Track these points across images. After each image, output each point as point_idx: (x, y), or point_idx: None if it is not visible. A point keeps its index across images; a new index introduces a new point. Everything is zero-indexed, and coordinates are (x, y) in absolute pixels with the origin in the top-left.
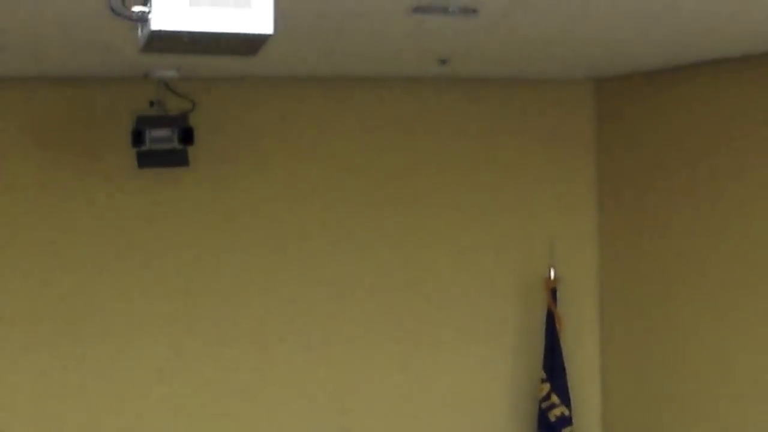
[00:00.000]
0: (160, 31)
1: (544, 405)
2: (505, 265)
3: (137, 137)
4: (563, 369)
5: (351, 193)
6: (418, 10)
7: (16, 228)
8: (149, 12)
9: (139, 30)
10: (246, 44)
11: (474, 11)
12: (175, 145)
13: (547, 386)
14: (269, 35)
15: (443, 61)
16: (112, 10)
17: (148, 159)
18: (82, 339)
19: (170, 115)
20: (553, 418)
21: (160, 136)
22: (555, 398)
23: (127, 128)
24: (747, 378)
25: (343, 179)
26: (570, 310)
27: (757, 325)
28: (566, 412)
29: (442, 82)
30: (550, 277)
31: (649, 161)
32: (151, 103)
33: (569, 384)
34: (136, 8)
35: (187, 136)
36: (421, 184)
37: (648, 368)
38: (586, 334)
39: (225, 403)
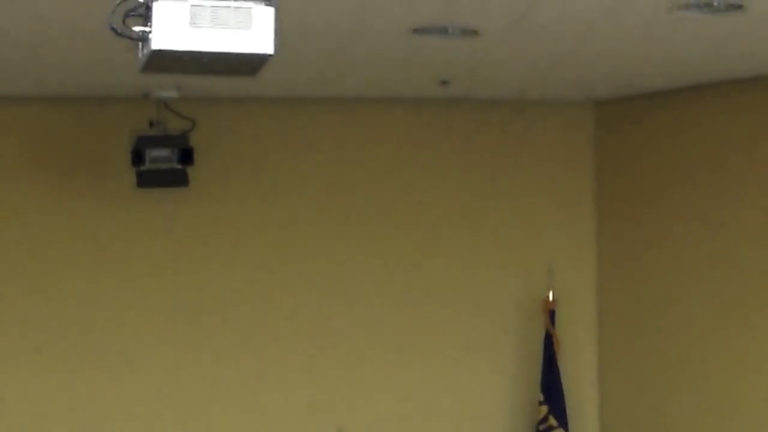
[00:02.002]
0: (160, 51)
1: (541, 427)
2: (504, 286)
3: (137, 157)
4: (561, 391)
5: (350, 213)
6: (418, 31)
7: (15, 246)
8: (150, 32)
9: (140, 50)
10: (246, 64)
11: (474, 33)
12: (175, 164)
13: (545, 408)
14: (269, 56)
15: (444, 83)
16: (113, 29)
17: (147, 179)
18: (81, 357)
19: (170, 135)
20: None
21: (160, 156)
22: (553, 420)
23: (127, 148)
24: (746, 402)
25: (342, 199)
26: (568, 332)
27: (758, 346)
28: None
29: (442, 104)
30: (548, 298)
31: (647, 183)
32: (151, 123)
33: (567, 406)
34: (137, 28)
35: (186, 156)
36: (420, 205)
37: (646, 391)
38: (584, 356)
39: (224, 419)
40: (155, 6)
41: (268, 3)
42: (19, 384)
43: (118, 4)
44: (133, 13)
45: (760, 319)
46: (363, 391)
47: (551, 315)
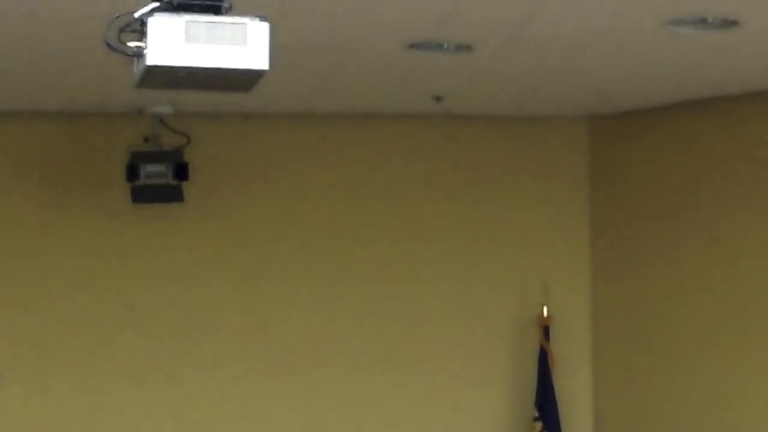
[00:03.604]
0: (155, 66)
1: None
2: (498, 302)
3: (132, 172)
4: (556, 407)
5: (344, 227)
6: (413, 46)
7: (9, 261)
8: (145, 47)
9: (135, 65)
10: (241, 80)
11: (468, 48)
12: (170, 180)
13: (539, 425)
14: (264, 71)
15: (438, 98)
16: (108, 45)
17: (142, 194)
18: (76, 372)
19: (165, 150)
20: None
21: (155, 172)
22: None
23: (122, 163)
24: (738, 417)
25: (336, 214)
26: (563, 348)
27: (749, 364)
28: None
29: (437, 119)
30: (542, 314)
31: (643, 198)
32: (146, 139)
33: (561, 422)
34: (132, 43)
35: (181, 171)
36: (414, 220)
37: (641, 407)
38: (579, 372)
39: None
40: (150, 21)
41: (263, 19)
42: (14, 399)
43: (113, 20)
44: (128, 29)
45: (755, 334)
46: (356, 407)
47: (546, 331)
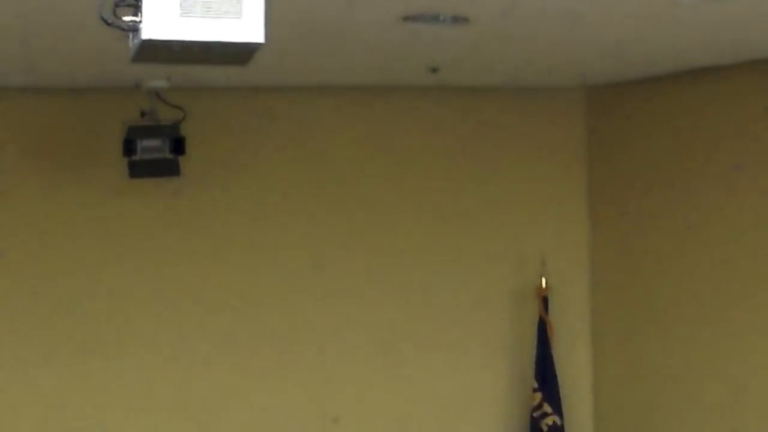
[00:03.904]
0: (151, 41)
1: (536, 414)
2: (497, 273)
3: (128, 147)
4: (555, 378)
5: (342, 201)
6: (409, 18)
7: (6, 237)
8: (140, 21)
9: (130, 39)
10: (237, 53)
11: (465, 20)
12: (167, 154)
13: (539, 395)
14: (260, 44)
15: (434, 70)
16: (103, 19)
17: (139, 169)
18: (76, 348)
19: (161, 124)
20: (545, 428)
21: (152, 146)
22: (547, 407)
23: (119, 138)
24: (738, 386)
25: (334, 188)
26: (562, 319)
27: (749, 335)
28: (558, 421)
29: (433, 91)
30: (541, 285)
31: (640, 170)
32: (143, 113)
33: (561, 393)
34: (127, 18)
35: (178, 145)
36: (411, 194)
37: (640, 377)
38: (578, 342)
39: (219, 411)
40: None
41: None
42: (12, 377)
43: None
44: (123, 3)
45: (756, 302)
46: (358, 381)
47: (544, 302)
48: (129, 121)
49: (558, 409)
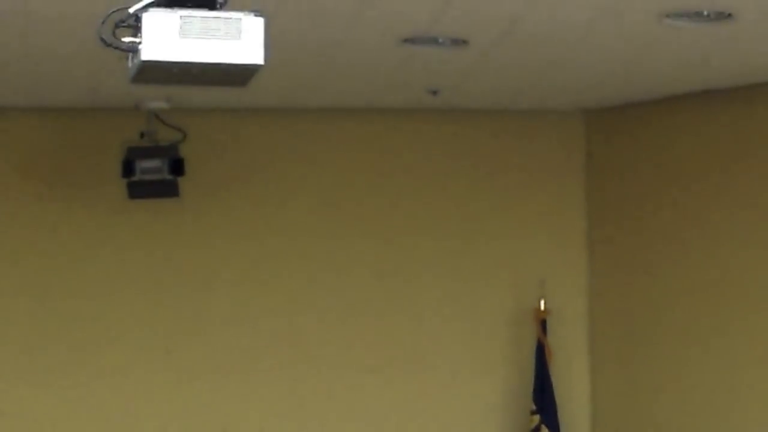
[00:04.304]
0: (150, 62)
1: None
2: (495, 296)
3: (127, 168)
4: (553, 400)
5: (340, 222)
6: (409, 41)
7: (4, 257)
8: (139, 42)
9: (130, 61)
10: (236, 75)
11: (464, 42)
12: (166, 175)
13: (537, 418)
14: (259, 66)
15: (434, 92)
16: (103, 40)
17: (138, 190)
18: (70, 367)
19: (160, 145)
20: None
21: (151, 167)
22: (545, 430)
23: (118, 159)
24: (737, 409)
25: (332, 210)
26: (560, 342)
27: (748, 357)
28: None
29: (432, 114)
30: (540, 308)
31: (639, 192)
32: (142, 134)
33: (559, 415)
34: (127, 39)
35: (177, 166)
36: (411, 215)
37: (638, 399)
38: (576, 365)
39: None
40: (145, 17)
41: (257, 14)
42: (8, 398)
43: (108, 16)
44: (123, 24)
45: (751, 328)
46: (355, 402)
47: (543, 324)
48: (128, 142)
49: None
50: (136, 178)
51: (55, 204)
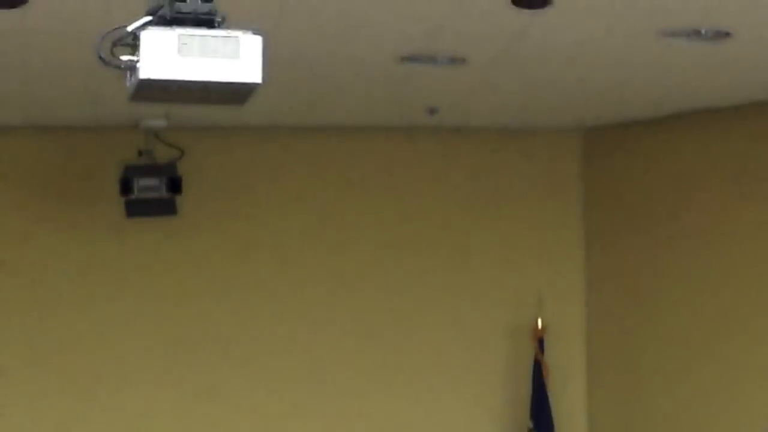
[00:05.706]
0: (148, 80)
1: None
2: (492, 314)
3: (125, 186)
4: (550, 418)
5: (338, 240)
6: (407, 59)
7: (3, 275)
8: (138, 61)
9: (128, 79)
10: (235, 93)
11: (462, 61)
12: (163, 194)
13: None
14: (258, 84)
15: (432, 111)
16: (101, 58)
17: (136, 208)
18: (68, 385)
19: (158, 164)
20: None
21: (149, 185)
22: None
23: (116, 177)
24: (739, 423)
25: (329, 227)
26: (557, 359)
27: (748, 371)
28: None
29: (430, 132)
30: (537, 326)
31: (636, 210)
32: (140, 152)
33: None
34: (125, 57)
35: (175, 185)
36: (408, 233)
37: (636, 417)
38: (574, 383)
39: None
40: (143, 35)
41: (256, 32)
42: (8, 413)
43: (106, 34)
44: (121, 42)
45: (748, 342)
46: (352, 417)
47: (540, 342)
48: (126, 161)
49: None
50: (134, 196)
51: (53, 222)
